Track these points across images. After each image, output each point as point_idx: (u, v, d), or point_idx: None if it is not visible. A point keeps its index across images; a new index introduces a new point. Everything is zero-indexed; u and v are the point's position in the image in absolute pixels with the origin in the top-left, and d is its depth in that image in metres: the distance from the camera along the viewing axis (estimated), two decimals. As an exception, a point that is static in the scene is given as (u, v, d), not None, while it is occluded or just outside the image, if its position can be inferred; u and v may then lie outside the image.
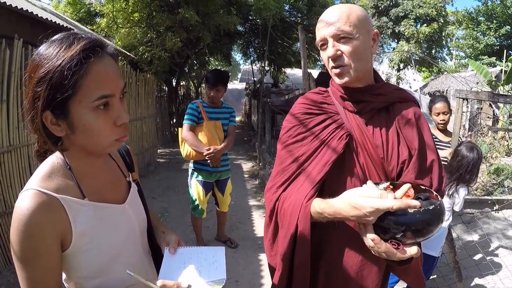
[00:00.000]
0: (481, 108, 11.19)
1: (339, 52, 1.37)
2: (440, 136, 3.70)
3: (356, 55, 1.38)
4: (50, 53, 1.00)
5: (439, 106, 3.59)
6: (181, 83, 18.07)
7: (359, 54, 1.38)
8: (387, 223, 1.12)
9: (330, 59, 1.40)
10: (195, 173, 4.21)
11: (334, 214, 1.25)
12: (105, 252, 1.15)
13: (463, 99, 4.17)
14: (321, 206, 1.30)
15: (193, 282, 1.17)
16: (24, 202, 1.01)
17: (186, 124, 4.03)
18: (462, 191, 2.95)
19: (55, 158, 1.13)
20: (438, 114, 3.62)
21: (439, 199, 1.20)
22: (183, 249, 1.30)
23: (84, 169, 1.15)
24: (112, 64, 1.07)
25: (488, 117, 11.61)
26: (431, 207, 1.11)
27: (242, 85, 27.72)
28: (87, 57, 0.99)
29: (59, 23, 7.23)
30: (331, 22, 1.37)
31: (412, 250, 1.15)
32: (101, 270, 1.15)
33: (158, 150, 11.41)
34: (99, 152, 1.16)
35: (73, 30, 7.50)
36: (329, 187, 1.45)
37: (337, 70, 1.41)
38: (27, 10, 6.02)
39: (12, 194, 4.02)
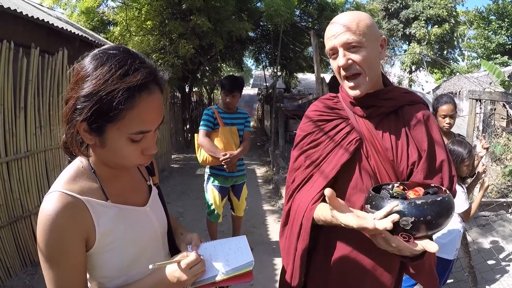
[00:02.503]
0: (495, 109, 11.07)
1: (350, 61, 1.40)
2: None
3: (367, 63, 1.40)
4: (103, 74, 1.00)
5: (446, 108, 3.29)
6: (194, 89, 18.19)
7: (370, 62, 1.41)
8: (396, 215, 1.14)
9: (341, 68, 1.43)
10: (211, 178, 4.26)
11: (330, 222, 1.31)
12: (128, 252, 1.18)
13: (476, 100, 4.16)
14: (323, 214, 1.36)
15: (224, 270, 1.23)
16: (50, 204, 1.04)
17: (202, 130, 4.08)
18: (458, 190, 2.90)
19: (79, 162, 1.16)
20: (445, 116, 3.31)
21: (448, 193, 1.21)
22: (206, 244, 1.35)
23: (108, 173, 1.18)
24: (158, 99, 1.09)
25: (502, 118, 11.50)
26: (438, 199, 1.14)
27: (254, 91, 27.78)
28: (139, 91, 1.02)
29: (74, 32, 7.37)
30: (340, 31, 1.39)
31: (423, 243, 1.16)
32: (123, 270, 1.18)
33: (172, 156, 11.49)
34: (118, 168, 1.21)
35: (89, 39, 7.60)
36: (341, 189, 1.50)
37: (351, 84, 1.44)
38: (43, 19, 6.16)
39: (29, 199, 4.14)
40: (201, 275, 1.20)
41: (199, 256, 1.19)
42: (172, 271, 1.16)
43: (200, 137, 4.07)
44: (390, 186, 1.31)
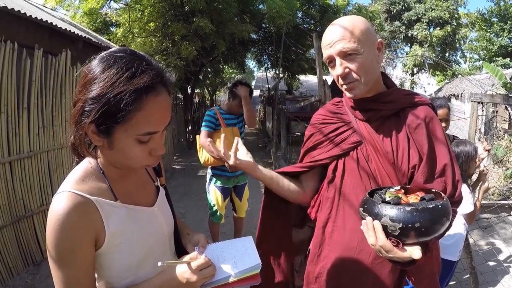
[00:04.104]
0: (497, 111, 11.06)
1: (347, 70, 1.42)
2: None
3: (364, 70, 1.42)
4: (111, 76, 1.00)
5: (441, 112, 3.25)
6: (196, 91, 18.22)
7: (366, 68, 1.42)
8: (384, 220, 1.14)
9: (339, 77, 1.45)
10: (214, 179, 4.27)
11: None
12: (136, 252, 1.19)
13: (478, 102, 4.17)
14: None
15: (232, 272, 1.25)
16: (60, 204, 1.04)
17: (204, 131, 4.08)
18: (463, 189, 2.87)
19: (87, 163, 1.17)
20: (439, 121, 3.27)
21: (444, 199, 1.20)
22: (212, 246, 1.36)
23: (116, 173, 1.19)
24: (165, 100, 1.09)
25: (504, 120, 11.47)
26: (430, 206, 1.13)
27: (256, 92, 27.75)
28: (146, 92, 1.02)
29: (77, 33, 7.37)
30: (335, 40, 1.41)
31: (412, 251, 1.15)
32: (131, 270, 1.19)
33: (174, 157, 11.50)
34: (126, 169, 1.22)
35: (92, 40, 7.59)
36: (342, 193, 1.53)
37: (347, 86, 1.47)
38: (46, 21, 6.15)
39: (31, 199, 4.16)
40: (211, 277, 1.21)
41: (210, 260, 1.20)
42: (183, 271, 1.17)
43: (202, 138, 4.07)
44: (382, 191, 1.31)
